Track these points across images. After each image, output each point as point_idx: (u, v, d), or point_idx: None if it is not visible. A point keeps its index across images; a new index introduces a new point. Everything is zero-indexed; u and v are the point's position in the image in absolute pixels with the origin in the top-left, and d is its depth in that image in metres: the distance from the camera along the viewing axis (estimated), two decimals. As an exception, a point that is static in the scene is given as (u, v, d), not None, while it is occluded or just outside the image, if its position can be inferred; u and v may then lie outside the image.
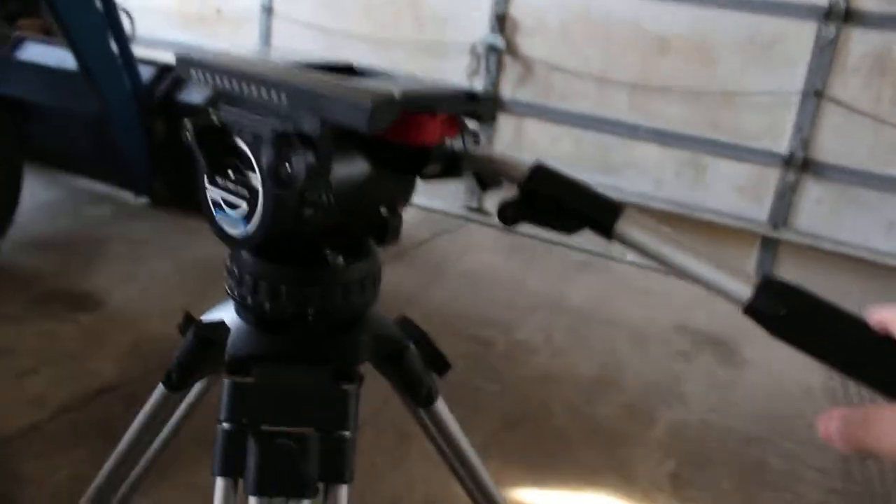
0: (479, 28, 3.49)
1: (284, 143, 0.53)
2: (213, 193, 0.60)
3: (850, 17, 2.86)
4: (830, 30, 2.89)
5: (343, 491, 0.60)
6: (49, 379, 1.95)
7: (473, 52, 3.48)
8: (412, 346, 0.70)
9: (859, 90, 2.91)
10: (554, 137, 3.48)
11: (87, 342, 2.15)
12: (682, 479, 1.85)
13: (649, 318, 2.78)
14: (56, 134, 3.39)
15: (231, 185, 0.58)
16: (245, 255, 0.61)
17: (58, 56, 3.16)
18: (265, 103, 0.56)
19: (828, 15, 2.88)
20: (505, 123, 3.57)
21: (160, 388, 0.72)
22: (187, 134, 0.56)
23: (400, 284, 2.68)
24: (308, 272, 0.60)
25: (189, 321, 0.70)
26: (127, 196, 3.28)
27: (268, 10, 4.06)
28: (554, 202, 0.57)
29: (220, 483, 0.59)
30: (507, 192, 0.59)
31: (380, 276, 0.66)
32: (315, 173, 0.53)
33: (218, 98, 0.61)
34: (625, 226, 0.54)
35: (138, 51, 3.07)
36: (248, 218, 0.57)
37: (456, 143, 0.60)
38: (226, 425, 0.59)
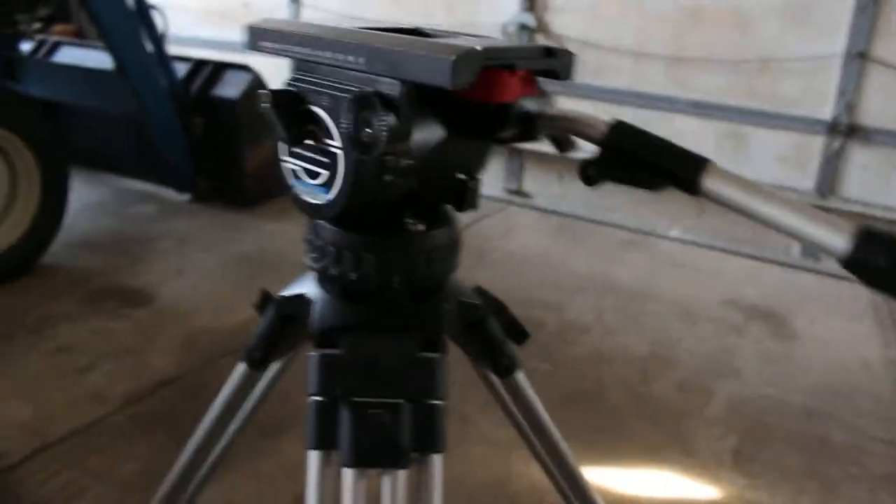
0: (509, 7, 3.46)
1: (364, 105, 0.52)
2: (291, 163, 0.59)
3: (893, -26, 2.79)
4: (872, -10, 2.81)
5: (437, 460, 0.59)
6: (108, 374, 1.98)
7: (504, 31, 3.45)
8: (491, 315, 0.70)
9: (906, 50, 2.83)
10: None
11: (142, 337, 2.17)
12: (744, 454, 1.82)
13: (698, 294, 2.74)
14: (97, 135, 3.43)
15: (310, 154, 0.57)
16: (327, 225, 0.61)
17: (94, 58, 3.20)
18: (342, 67, 0.55)
19: (869, -26, 2.81)
20: (540, 104, 3.53)
21: (241, 367, 0.72)
22: (263, 104, 0.55)
23: (444, 269, 2.68)
24: (392, 240, 0.59)
25: (267, 299, 0.69)
26: (169, 193, 3.31)
27: (296, 1, 4.07)
28: (637, 159, 0.55)
29: (312, 456, 0.59)
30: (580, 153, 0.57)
31: (459, 243, 0.65)
32: (396, 136, 0.52)
33: (292, 67, 0.61)
34: (710, 181, 0.53)
35: (170, 49, 3.09)
36: (328, 186, 0.56)
37: (529, 104, 0.59)
38: (317, 398, 0.59)
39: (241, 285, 2.53)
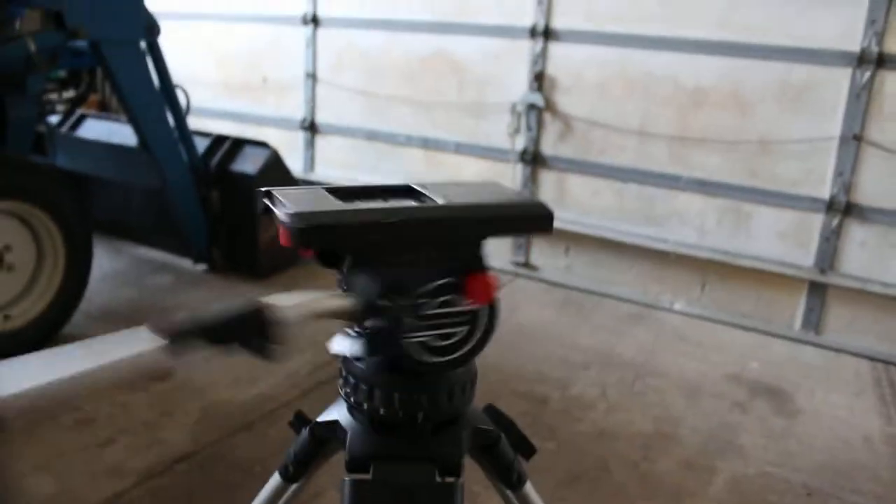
0: (518, 87, 3.61)
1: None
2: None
3: (882, 61, 2.91)
4: (864, 74, 2.93)
5: (455, 576, 0.66)
6: (127, 448, 2.04)
7: (514, 111, 3.59)
8: (503, 435, 0.77)
9: (898, 133, 2.95)
10: (595, 191, 3.55)
11: (160, 411, 2.25)
12: (745, 534, 1.87)
13: (702, 369, 2.80)
14: (118, 205, 3.56)
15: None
16: (360, 364, 0.69)
17: (118, 132, 3.34)
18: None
19: (860, 60, 2.93)
20: (547, 179, 3.65)
21: (276, 478, 0.80)
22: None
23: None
24: (418, 380, 0.68)
25: (302, 420, 0.77)
26: (186, 264, 3.42)
27: (312, 77, 4.23)
28: None
29: (346, 571, 0.66)
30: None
31: (476, 379, 0.73)
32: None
33: None
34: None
35: (188, 120, 3.23)
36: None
37: None
38: (350, 518, 0.67)
39: (254, 360, 2.60)
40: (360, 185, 0.71)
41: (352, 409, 0.72)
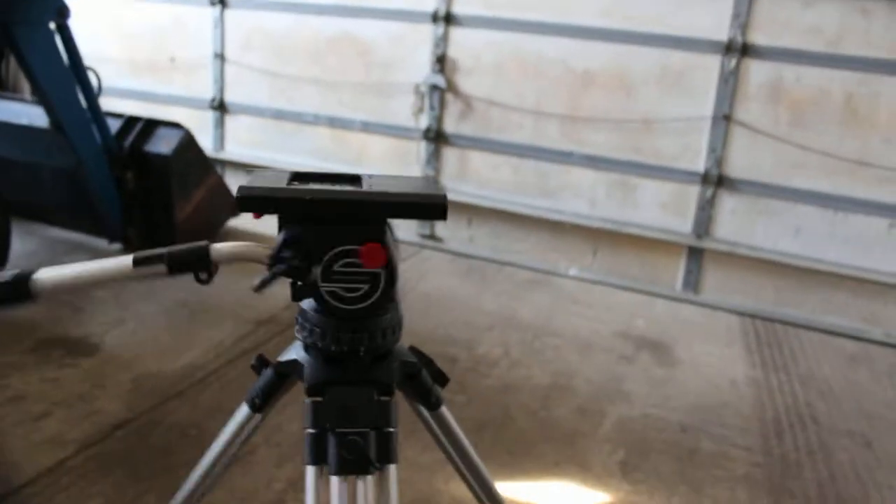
0: (421, 69, 3.80)
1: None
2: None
3: (746, 50, 3.26)
4: (731, 62, 3.28)
5: (393, 468, 0.88)
6: (63, 420, 2.15)
7: (417, 91, 3.79)
8: (423, 367, 0.99)
9: (760, 114, 3.31)
10: (495, 166, 3.81)
11: (91, 384, 2.36)
12: (629, 465, 2.17)
13: (593, 327, 3.11)
14: (30, 187, 3.56)
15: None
16: (312, 311, 0.89)
17: (24, 112, 3.34)
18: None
19: (728, 48, 3.28)
20: (450, 155, 3.88)
21: (244, 409, 0.99)
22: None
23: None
24: (359, 323, 0.88)
25: (262, 362, 0.97)
26: (101, 244, 3.47)
27: (220, 57, 4.30)
28: None
29: (310, 470, 0.86)
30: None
31: (401, 323, 0.94)
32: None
33: None
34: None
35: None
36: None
37: None
38: (311, 430, 0.87)
39: (181, 331, 2.74)
40: (322, 171, 0.92)
41: (307, 348, 0.92)
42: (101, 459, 2.00)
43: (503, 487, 2.08)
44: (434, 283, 3.45)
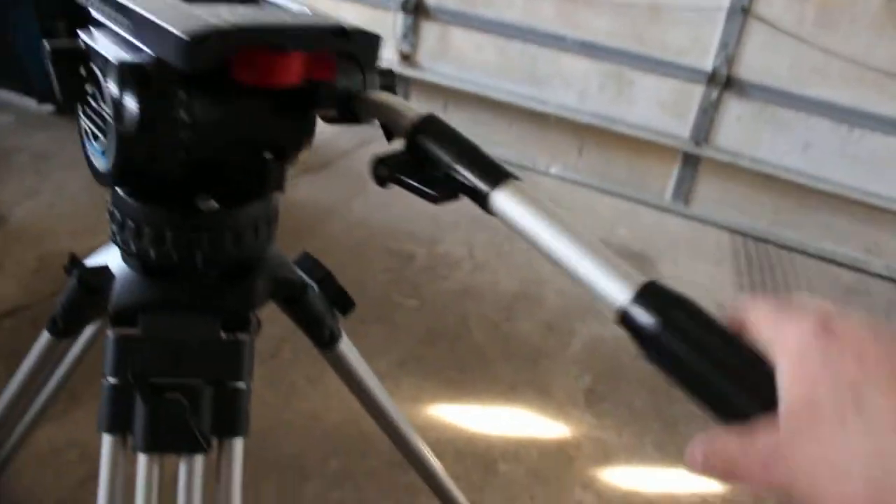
0: (405, -71, 3.33)
1: (123, 75, 0.47)
2: (83, 121, 0.55)
3: (778, -69, 2.84)
4: (759, -57, 2.86)
5: (238, 444, 0.58)
6: (-52, 300, 1.85)
7: (398, -43, 3.34)
8: (313, 287, 0.68)
9: (784, 9, 2.91)
10: (479, 46, 3.40)
11: (-11, 260, 2.04)
12: (596, 394, 1.91)
13: (571, 233, 2.81)
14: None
15: (93, 114, 0.53)
16: (126, 197, 0.57)
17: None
18: (117, 28, 0.51)
19: (756, -72, 2.85)
20: (430, 31, 3.46)
21: (45, 336, 0.68)
22: (45, 56, 0.50)
23: (321, 196, 2.63)
24: (194, 216, 0.56)
25: (74, 263, 0.65)
26: (30, 103, 3.08)
27: None
28: (433, 161, 0.51)
29: (106, 440, 0.56)
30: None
31: (276, 219, 0.62)
32: (151, 112, 0.48)
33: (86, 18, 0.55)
34: (504, 199, 0.48)
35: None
36: (105, 153, 0.52)
37: (348, 83, 0.55)
38: (111, 380, 0.56)
39: (103, 207, 2.41)
40: None
41: (121, 251, 0.60)
42: (-18, 350, 1.71)
43: (450, 410, 1.84)
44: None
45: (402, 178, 0.50)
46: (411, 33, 3.46)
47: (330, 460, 1.56)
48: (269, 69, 0.49)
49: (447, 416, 1.77)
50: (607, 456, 1.73)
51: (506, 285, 2.36)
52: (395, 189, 0.57)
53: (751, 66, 3.04)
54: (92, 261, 0.63)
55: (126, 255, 0.60)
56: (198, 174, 0.54)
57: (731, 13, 2.97)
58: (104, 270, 0.61)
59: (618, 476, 1.68)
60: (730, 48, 3.02)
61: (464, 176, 0.49)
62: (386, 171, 0.50)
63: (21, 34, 2.81)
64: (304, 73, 0.51)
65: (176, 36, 0.45)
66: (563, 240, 0.45)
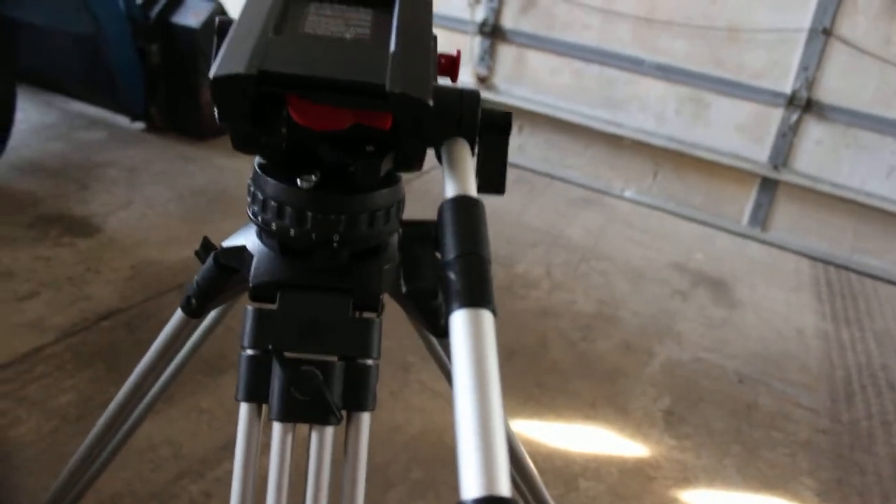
0: (482, -45, 3.40)
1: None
2: None
3: (863, -48, 2.80)
4: (842, -34, 2.82)
5: (365, 418, 0.60)
6: (49, 303, 1.94)
7: (473, -15, 3.40)
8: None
9: (868, 30, 2.86)
10: (555, 69, 3.42)
11: (85, 267, 2.14)
12: (675, 415, 1.89)
13: (647, 256, 2.79)
14: (49, 55, 3.31)
15: None
16: (270, 178, 0.60)
17: (48, -27, 3.06)
18: None
19: (840, -50, 2.82)
20: (506, 54, 3.50)
21: (178, 314, 0.72)
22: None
23: (398, 216, 2.68)
24: (335, 198, 0.59)
25: (208, 247, 0.69)
26: (122, 121, 3.22)
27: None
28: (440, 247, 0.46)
29: (244, 408, 0.59)
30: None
31: (403, 205, 0.65)
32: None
33: None
34: (461, 319, 0.40)
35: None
36: None
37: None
38: (250, 351, 0.59)
39: (191, 219, 2.50)
40: None
41: (260, 231, 0.64)
42: (81, 350, 1.79)
43: (526, 425, 1.83)
44: (475, 193, 3.14)
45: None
46: (488, 56, 3.51)
47: (412, 470, 1.57)
48: (307, 115, 0.51)
49: (527, 432, 1.77)
50: (687, 478, 1.70)
51: (583, 305, 2.35)
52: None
53: (832, 89, 2.99)
54: (228, 242, 0.67)
55: (265, 235, 0.63)
56: (301, 159, 0.58)
57: (812, 35, 2.93)
58: (241, 251, 0.64)
59: (698, 498, 1.65)
60: (810, 71, 2.97)
61: (455, 277, 0.42)
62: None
63: (114, 55, 2.95)
64: (350, 120, 0.52)
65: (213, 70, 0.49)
66: (474, 396, 0.36)
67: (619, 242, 2.87)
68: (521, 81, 3.49)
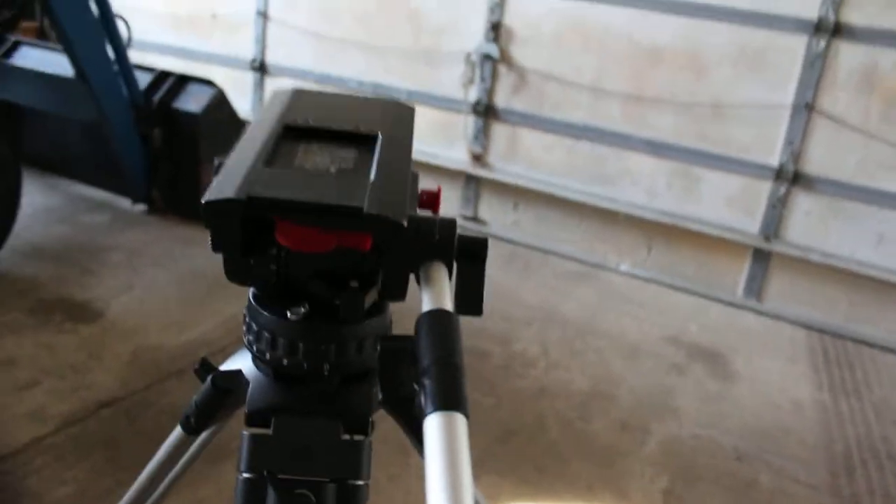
0: (474, 37, 3.52)
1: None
2: None
3: (838, 30, 2.90)
4: (820, 43, 2.93)
5: (356, 538, 0.63)
6: (50, 391, 1.97)
7: (468, 61, 3.51)
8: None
9: (848, 104, 2.95)
10: (548, 146, 3.51)
11: (87, 354, 2.17)
12: (674, 495, 1.89)
13: (642, 330, 2.82)
14: (52, 139, 3.40)
15: None
16: (263, 311, 0.64)
17: (54, 61, 3.17)
18: None
19: (817, 28, 2.92)
20: (500, 132, 3.60)
21: (177, 431, 0.75)
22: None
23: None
24: (325, 329, 0.63)
25: (207, 368, 0.72)
26: (124, 203, 3.29)
27: (263, 15, 4.07)
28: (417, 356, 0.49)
29: (240, 530, 0.62)
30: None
31: (391, 330, 0.69)
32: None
33: None
34: (436, 422, 0.42)
35: (131, 54, 3.08)
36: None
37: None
38: (246, 475, 0.62)
39: (192, 302, 2.54)
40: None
41: (255, 358, 0.67)
42: (81, 440, 1.80)
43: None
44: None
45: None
46: (482, 135, 3.60)
47: (410, 557, 1.57)
48: (292, 237, 0.55)
49: (524, 515, 1.77)
50: (688, 560, 1.70)
51: (579, 384, 2.37)
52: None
53: (817, 161, 3.06)
54: (226, 366, 0.70)
55: (260, 362, 0.67)
56: (291, 292, 0.62)
57: (796, 110, 3.02)
58: (238, 374, 0.67)
59: (700, 582, 1.65)
60: (795, 144, 3.05)
61: (429, 382, 0.45)
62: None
63: (120, 141, 3.03)
64: (333, 243, 0.56)
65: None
66: (446, 495, 0.38)
67: (614, 317, 2.90)
68: (514, 159, 3.57)
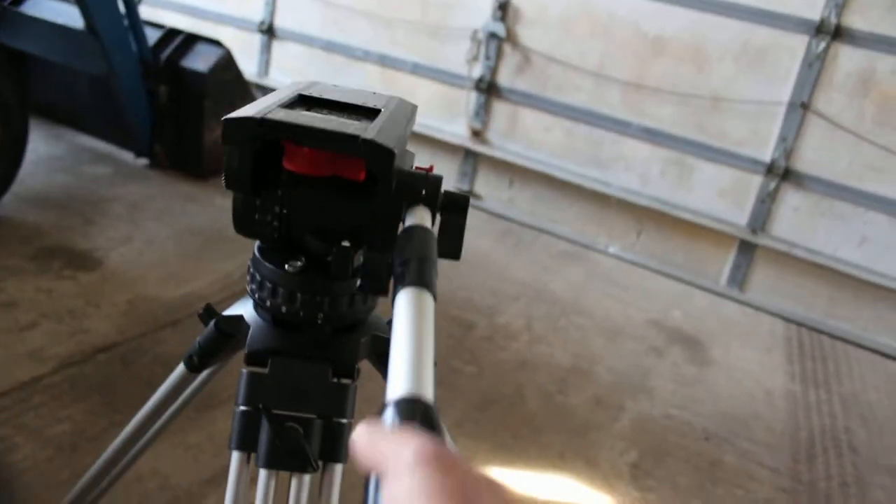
0: (481, 15, 3.56)
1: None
2: None
3: (839, 33, 2.96)
4: (820, 44, 2.98)
5: (338, 469, 0.70)
6: (49, 334, 2.04)
7: (474, 38, 3.55)
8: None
9: (843, 106, 3.01)
10: (547, 127, 3.57)
11: (85, 300, 2.23)
12: (641, 469, 1.98)
13: (626, 312, 2.90)
14: (59, 88, 3.44)
15: None
16: (266, 262, 0.71)
17: (64, 12, 3.20)
18: None
19: (818, 29, 2.97)
20: (501, 110, 3.65)
21: (181, 368, 0.82)
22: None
23: (388, 263, 2.78)
24: (321, 282, 0.70)
25: (210, 313, 0.79)
26: (127, 156, 3.35)
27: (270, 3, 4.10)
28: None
29: (235, 456, 0.69)
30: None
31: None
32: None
33: None
34: (403, 295, 0.47)
35: (141, 10, 3.11)
36: None
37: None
38: (243, 407, 0.69)
39: (190, 257, 2.61)
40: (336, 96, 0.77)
41: (256, 305, 0.74)
42: (78, 382, 1.88)
43: (500, 473, 1.92)
44: (466, 241, 3.25)
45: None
46: (483, 111, 3.66)
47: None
48: (296, 159, 0.65)
49: (499, 478, 1.85)
50: (650, 530, 1.79)
51: (560, 359, 2.45)
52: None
53: (809, 160, 3.13)
54: (229, 311, 0.77)
55: (260, 309, 0.74)
56: (291, 247, 0.71)
57: (791, 108, 3.08)
58: (240, 319, 0.75)
59: (659, 550, 1.74)
60: (788, 141, 3.12)
61: (405, 268, 0.50)
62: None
63: (126, 95, 3.07)
64: (330, 169, 0.66)
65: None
66: (412, 322, 0.43)
67: (600, 297, 2.98)
68: (513, 137, 3.63)
